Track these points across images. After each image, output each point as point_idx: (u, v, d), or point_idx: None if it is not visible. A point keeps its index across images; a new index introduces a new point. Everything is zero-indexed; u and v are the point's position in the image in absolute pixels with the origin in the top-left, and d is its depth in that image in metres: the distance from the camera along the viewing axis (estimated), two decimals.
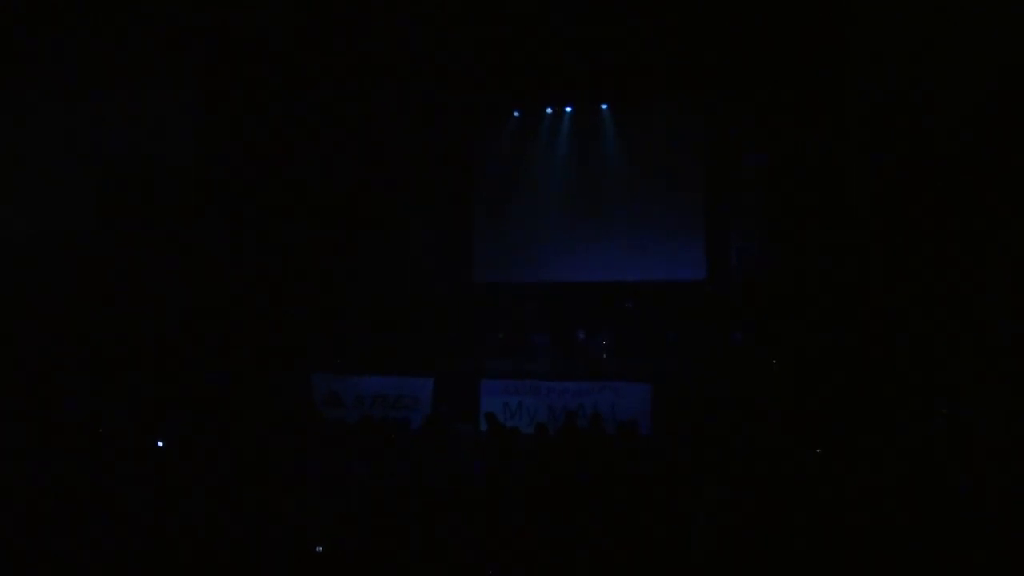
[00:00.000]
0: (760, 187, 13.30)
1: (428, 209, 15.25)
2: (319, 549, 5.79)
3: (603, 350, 12.82)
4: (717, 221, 13.88)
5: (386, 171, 14.67)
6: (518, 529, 6.05)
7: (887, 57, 10.11)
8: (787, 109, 12.48)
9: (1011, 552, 5.00)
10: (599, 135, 14.67)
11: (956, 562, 5.00)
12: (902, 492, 6.05)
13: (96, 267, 12.72)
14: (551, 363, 12.80)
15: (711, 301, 13.44)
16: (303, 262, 13.72)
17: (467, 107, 14.86)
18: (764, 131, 13.16)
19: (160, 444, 8.18)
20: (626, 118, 14.53)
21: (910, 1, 9.92)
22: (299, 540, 5.92)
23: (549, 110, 14.91)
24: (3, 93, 12.49)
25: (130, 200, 13.01)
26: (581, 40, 12.42)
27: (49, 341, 12.25)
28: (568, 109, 14.81)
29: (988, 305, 9.02)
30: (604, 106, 14.57)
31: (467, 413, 11.15)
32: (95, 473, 7.23)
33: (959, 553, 5.05)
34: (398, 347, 13.29)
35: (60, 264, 12.70)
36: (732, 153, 13.77)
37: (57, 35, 12.10)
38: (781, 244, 12.84)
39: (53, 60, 12.55)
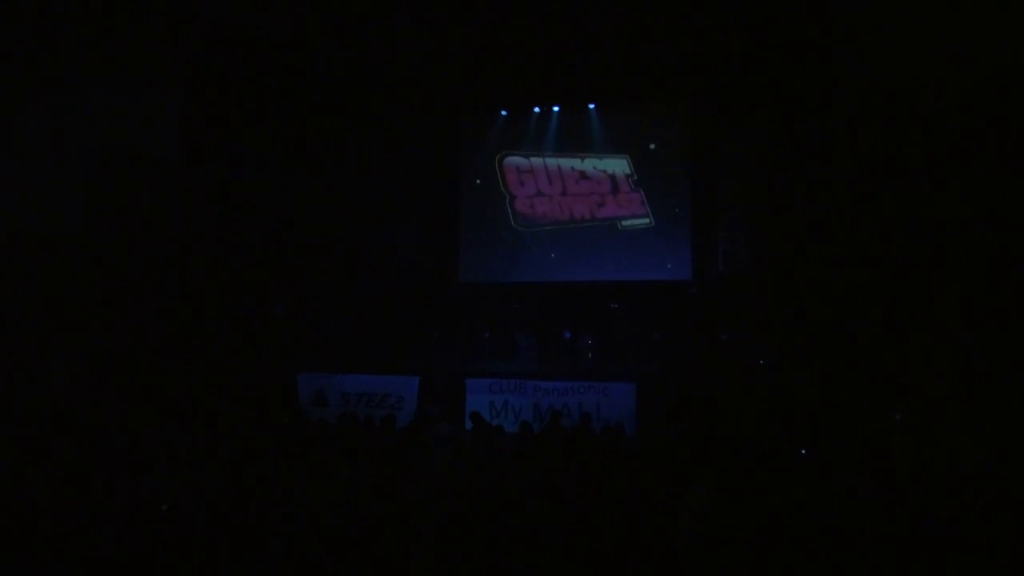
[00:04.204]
0: (747, 187, 13.32)
1: (414, 208, 15.20)
2: (308, 551, 5.76)
3: (588, 349, 12.85)
4: (703, 221, 13.90)
5: (372, 170, 14.62)
6: (501, 530, 6.03)
7: (876, 52, 10.09)
8: (774, 107, 12.52)
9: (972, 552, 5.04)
10: (586, 134, 14.67)
11: (928, 563, 5.03)
12: (879, 493, 6.08)
13: (81, 265, 12.63)
14: (537, 362, 12.83)
15: (697, 301, 13.47)
16: (288, 260, 13.65)
17: (454, 106, 14.83)
18: (751, 130, 13.19)
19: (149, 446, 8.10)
20: (613, 118, 14.54)
21: None
22: (284, 539, 5.88)
23: (537, 110, 14.91)
24: None
25: (116, 198, 12.94)
26: (567, 39, 12.42)
27: (37, 340, 12.18)
28: (555, 109, 14.81)
29: (985, 303, 8.98)
30: (591, 105, 14.58)
31: (452, 412, 11.14)
32: (81, 471, 7.17)
33: (928, 554, 5.08)
34: (384, 346, 13.28)
35: (46, 263, 12.62)
36: (718, 152, 13.78)
37: (43, 32, 12.00)
38: (767, 244, 12.88)
39: (40, 57, 12.45)
